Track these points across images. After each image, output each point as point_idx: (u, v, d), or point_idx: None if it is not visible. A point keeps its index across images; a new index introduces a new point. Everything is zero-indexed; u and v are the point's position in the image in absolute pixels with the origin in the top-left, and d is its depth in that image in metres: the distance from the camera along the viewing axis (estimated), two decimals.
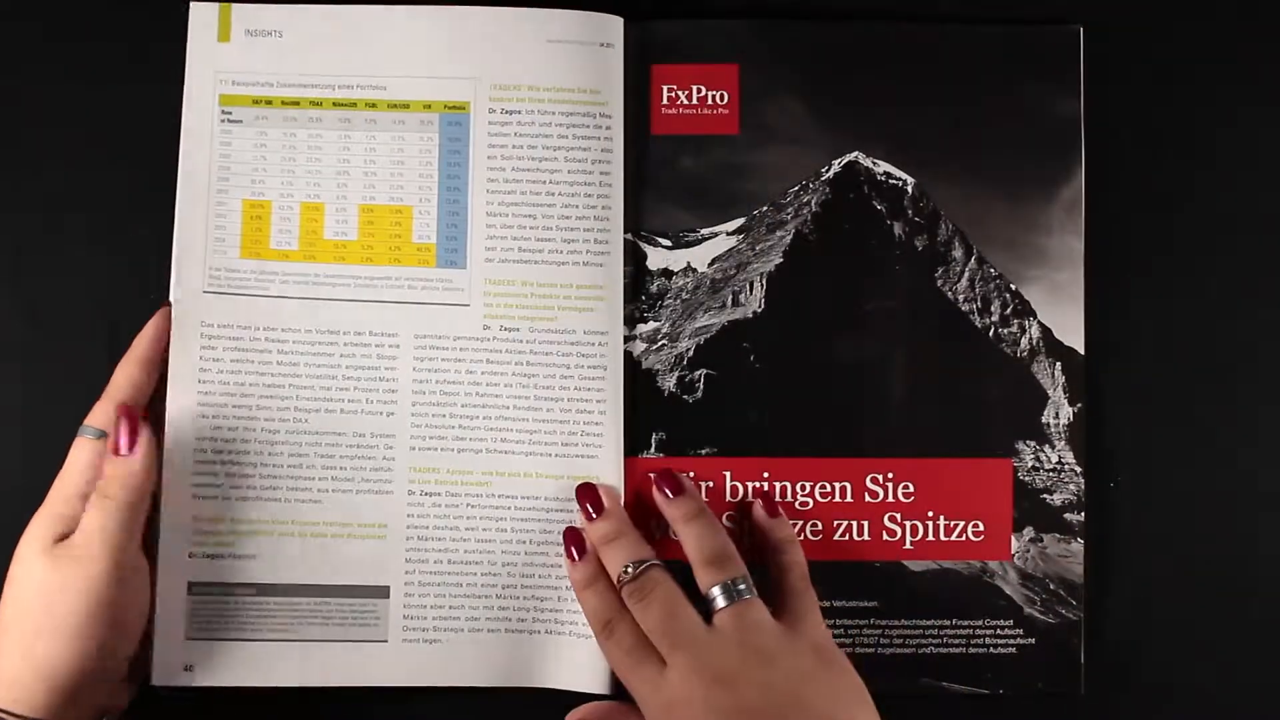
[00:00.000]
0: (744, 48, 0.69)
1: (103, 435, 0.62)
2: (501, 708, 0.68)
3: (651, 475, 0.66)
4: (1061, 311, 0.69)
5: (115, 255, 0.68)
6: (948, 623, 0.68)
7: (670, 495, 0.65)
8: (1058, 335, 0.69)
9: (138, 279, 0.67)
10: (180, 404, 0.66)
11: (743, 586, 0.61)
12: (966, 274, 0.69)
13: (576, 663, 0.66)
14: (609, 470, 0.67)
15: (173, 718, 0.66)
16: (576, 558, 0.65)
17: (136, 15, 0.69)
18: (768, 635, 0.59)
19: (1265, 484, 0.70)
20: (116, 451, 0.62)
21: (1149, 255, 0.70)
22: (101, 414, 0.63)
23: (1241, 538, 0.70)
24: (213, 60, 0.68)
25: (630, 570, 0.62)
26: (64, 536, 0.60)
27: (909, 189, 0.69)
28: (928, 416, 0.68)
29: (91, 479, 0.61)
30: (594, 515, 0.65)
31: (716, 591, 0.61)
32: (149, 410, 0.65)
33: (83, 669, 0.59)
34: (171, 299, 0.67)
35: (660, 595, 0.61)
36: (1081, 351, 0.69)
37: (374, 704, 0.68)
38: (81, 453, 0.62)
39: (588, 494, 0.66)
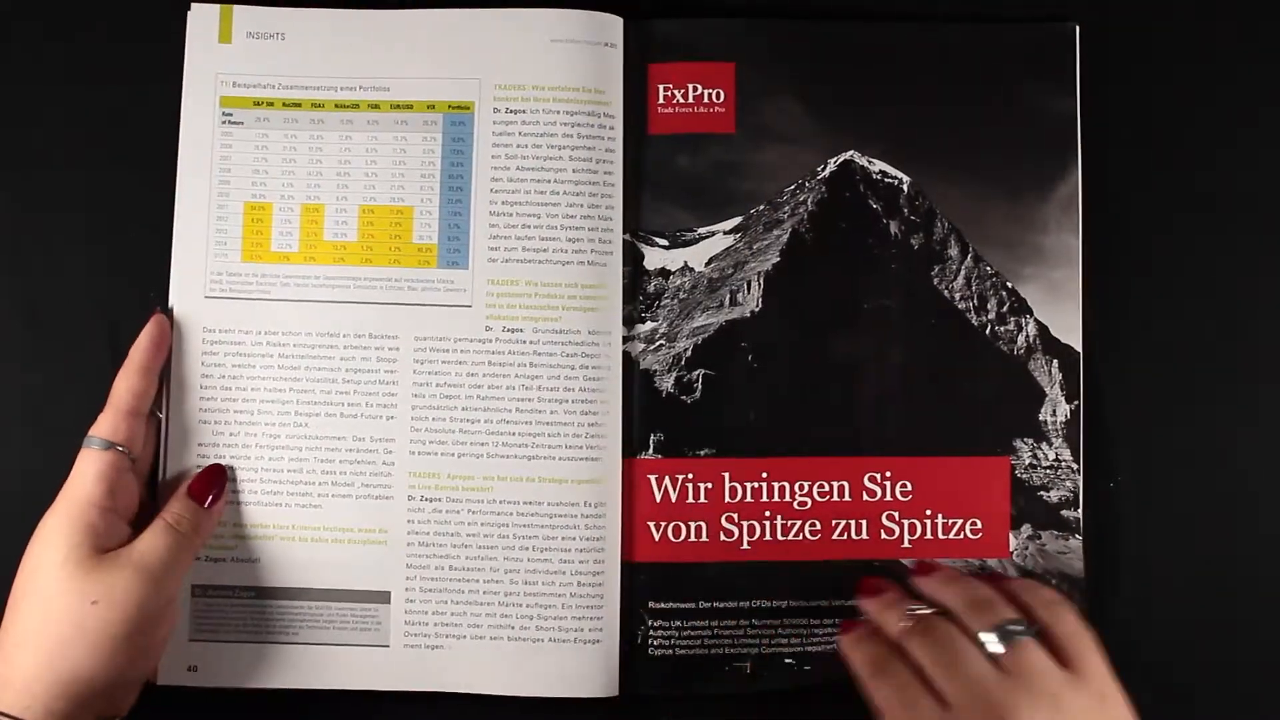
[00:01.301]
0: (741, 46, 0.69)
1: (110, 446, 0.62)
2: (503, 715, 0.68)
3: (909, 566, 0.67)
4: (1058, 309, 0.69)
5: (115, 256, 0.68)
6: None
7: (926, 575, 0.64)
8: (1054, 333, 0.69)
9: (138, 280, 0.67)
10: (181, 409, 0.67)
11: (1018, 629, 0.58)
12: (963, 272, 0.69)
13: (580, 671, 0.66)
14: (609, 473, 0.67)
15: (176, 718, 0.66)
16: (848, 629, 0.63)
17: (137, 16, 0.69)
18: (1052, 679, 0.56)
19: (1264, 482, 0.70)
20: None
21: (1146, 252, 0.70)
22: (107, 425, 0.63)
23: (1241, 536, 0.70)
24: (213, 62, 0.68)
25: (915, 611, 0.61)
26: (96, 550, 0.60)
27: (905, 188, 0.69)
28: (925, 415, 0.69)
29: (106, 491, 0.61)
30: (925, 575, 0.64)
31: (989, 636, 0.58)
32: (152, 416, 0.66)
33: (103, 682, 0.59)
34: (172, 304, 0.67)
35: (945, 633, 0.59)
36: (1078, 349, 0.69)
37: (376, 708, 0.68)
38: (90, 464, 0.62)
39: (870, 584, 0.65)
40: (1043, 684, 0.56)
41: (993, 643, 0.57)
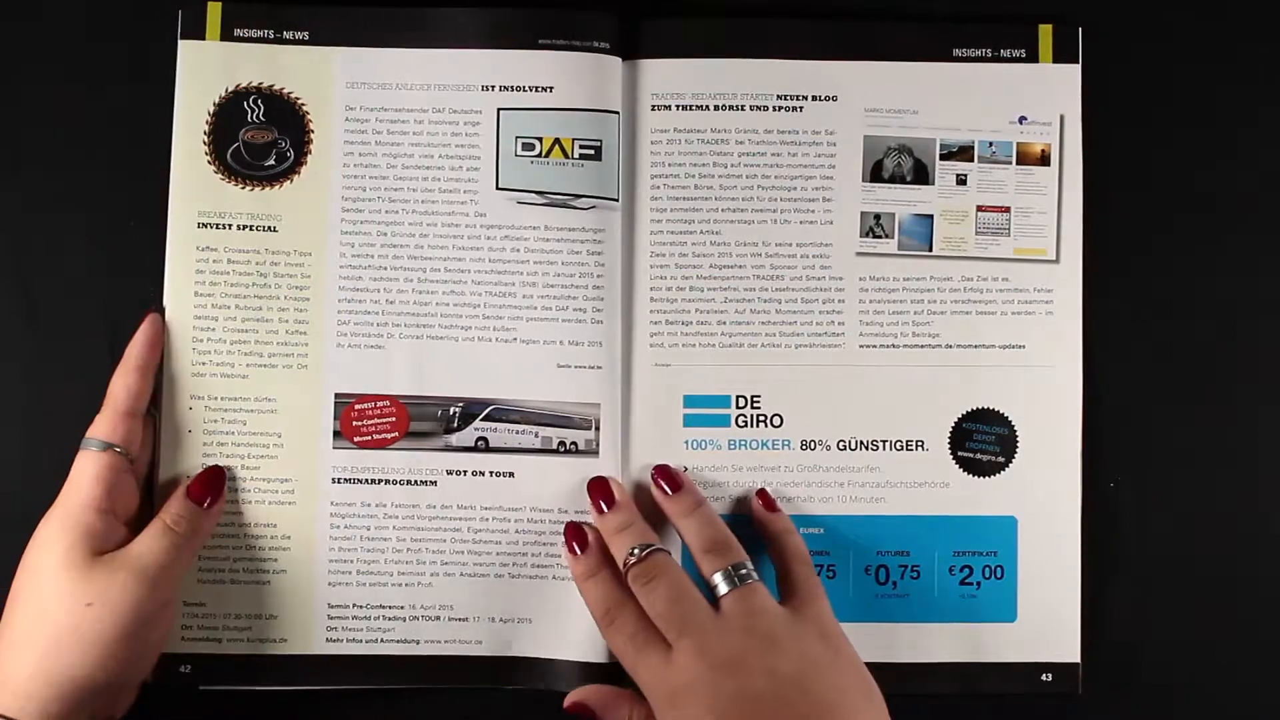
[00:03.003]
0: None
1: (107, 447, 0.62)
2: (490, 708, 0.69)
3: (650, 472, 0.67)
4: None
5: (115, 256, 0.68)
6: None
7: (669, 491, 0.66)
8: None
9: (138, 280, 0.67)
10: (174, 408, 0.67)
11: (745, 571, 0.61)
12: None
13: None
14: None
15: (169, 716, 0.67)
16: (579, 551, 0.65)
17: (137, 16, 0.69)
18: (773, 620, 0.59)
19: (1264, 482, 0.70)
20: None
21: (1146, 252, 0.70)
22: (104, 425, 0.63)
23: (1241, 538, 0.70)
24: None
25: (637, 553, 0.62)
26: (94, 552, 0.60)
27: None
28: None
29: (105, 493, 0.61)
30: (605, 508, 0.65)
31: (719, 578, 0.61)
32: (149, 416, 0.66)
33: (100, 683, 0.59)
34: (165, 303, 0.67)
35: (667, 579, 0.61)
36: (1080, 351, 0.69)
37: (375, 708, 0.69)
38: (89, 465, 0.62)
39: (600, 487, 0.66)
40: (763, 624, 0.59)
41: (721, 585, 0.61)
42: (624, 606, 0.61)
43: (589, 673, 0.67)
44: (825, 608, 0.62)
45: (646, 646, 0.59)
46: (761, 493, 0.67)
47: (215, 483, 0.66)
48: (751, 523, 0.67)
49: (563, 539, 0.66)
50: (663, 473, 0.66)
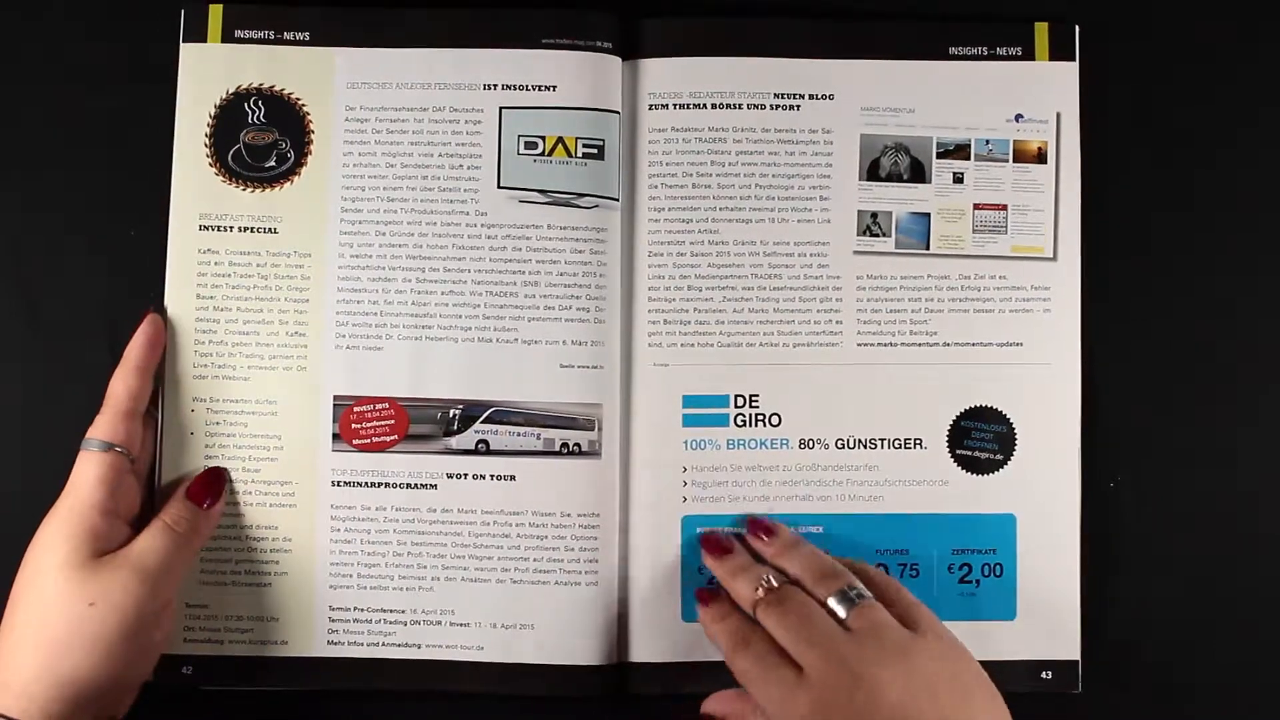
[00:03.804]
0: None
1: (108, 448, 0.62)
2: (493, 713, 0.69)
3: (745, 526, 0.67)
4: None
5: (115, 256, 0.68)
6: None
7: (766, 537, 0.66)
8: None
9: (137, 280, 0.68)
10: (178, 412, 0.67)
11: (858, 591, 0.61)
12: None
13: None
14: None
15: (170, 718, 0.67)
16: (707, 601, 0.65)
17: (137, 16, 0.69)
18: (898, 633, 0.59)
19: (1264, 482, 0.70)
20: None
21: (1145, 252, 0.70)
22: (105, 426, 0.63)
23: (1241, 537, 0.70)
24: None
25: (765, 583, 0.62)
26: (97, 552, 0.60)
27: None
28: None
29: (107, 494, 0.61)
30: (722, 555, 0.66)
31: (835, 601, 0.60)
32: (149, 415, 0.66)
33: (101, 683, 0.59)
34: (166, 303, 0.67)
35: (795, 603, 0.61)
36: (1078, 348, 0.69)
37: (374, 708, 0.69)
38: (90, 467, 0.62)
39: (711, 538, 0.66)
40: (891, 638, 0.58)
41: (839, 607, 0.60)
42: (754, 631, 0.61)
43: (592, 679, 0.67)
44: (935, 619, 0.62)
45: (777, 666, 0.59)
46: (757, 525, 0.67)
47: (215, 484, 0.66)
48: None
49: (696, 601, 0.66)
50: (755, 523, 0.67)
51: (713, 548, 0.66)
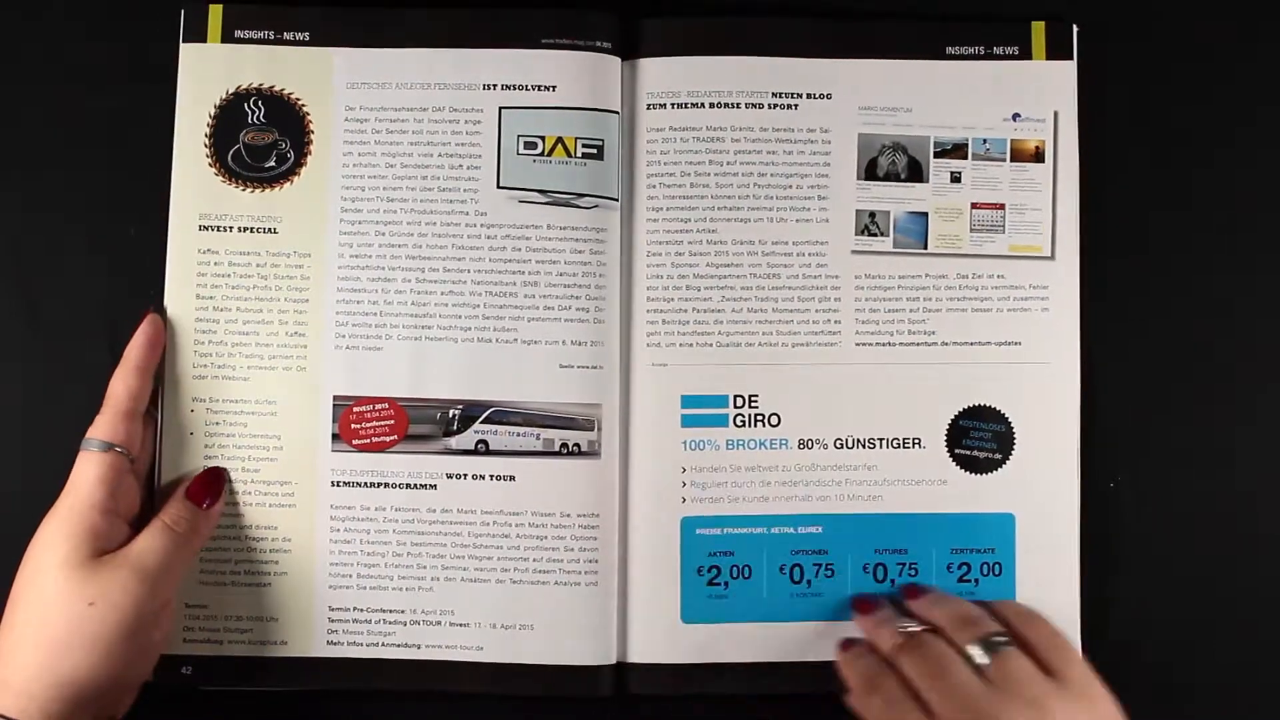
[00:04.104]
0: None
1: (108, 448, 0.62)
2: (492, 714, 0.69)
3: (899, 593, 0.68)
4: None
5: (115, 256, 0.68)
6: None
7: (916, 598, 0.66)
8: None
9: (138, 280, 0.68)
10: (178, 412, 0.67)
11: (999, 639, 0.60)
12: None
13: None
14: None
15: (170, 718, 0.67)
16: (866, 611, 0.67)
17: (137, 16, 0.69)
18: (1037, 685, 0.58)
19: (1264, 482, 0.70)
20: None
21: (1145, 252, 0.70)
22: (105, 426, 0.63)
23: (1241, 536, 0.70)
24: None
25: (908, 630, 0.63)
26: (96, 552, 0.60)
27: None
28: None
29: (107, 494, 0.61)
30: (870, 611, 0.67)
31: (974, 648, 0.60)
32: (148, 415, 0.66)
33: (101, 683, 0.59)
34: (166, 303, 0.67)
35: (935, 650, 0.61)
36: (1077, 347, 0.69)
37: (372, 708, 0.69)
38: (90, 466, 0.62)
39: (861, 599, 0.68)
40: (1028, 690, 0.58)
41: (979, 654, 0.60)
42: (886, 675, 0.62)
43: (591, 679, 0.67)
44: (1084, 668, 0.61)
45: (909, 713, 0.59)
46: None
47: (214, 484, 0.66)
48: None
49: (853, 609, 0.68)
50: (907, 586, 0.67)
51: (861, 604, 0.67)
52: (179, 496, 0.65)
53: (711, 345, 0.68)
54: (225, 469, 0.67)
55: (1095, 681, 0.60)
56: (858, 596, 0.67)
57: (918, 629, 0.63)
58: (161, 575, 0.61)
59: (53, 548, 0.60)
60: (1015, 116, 0.69)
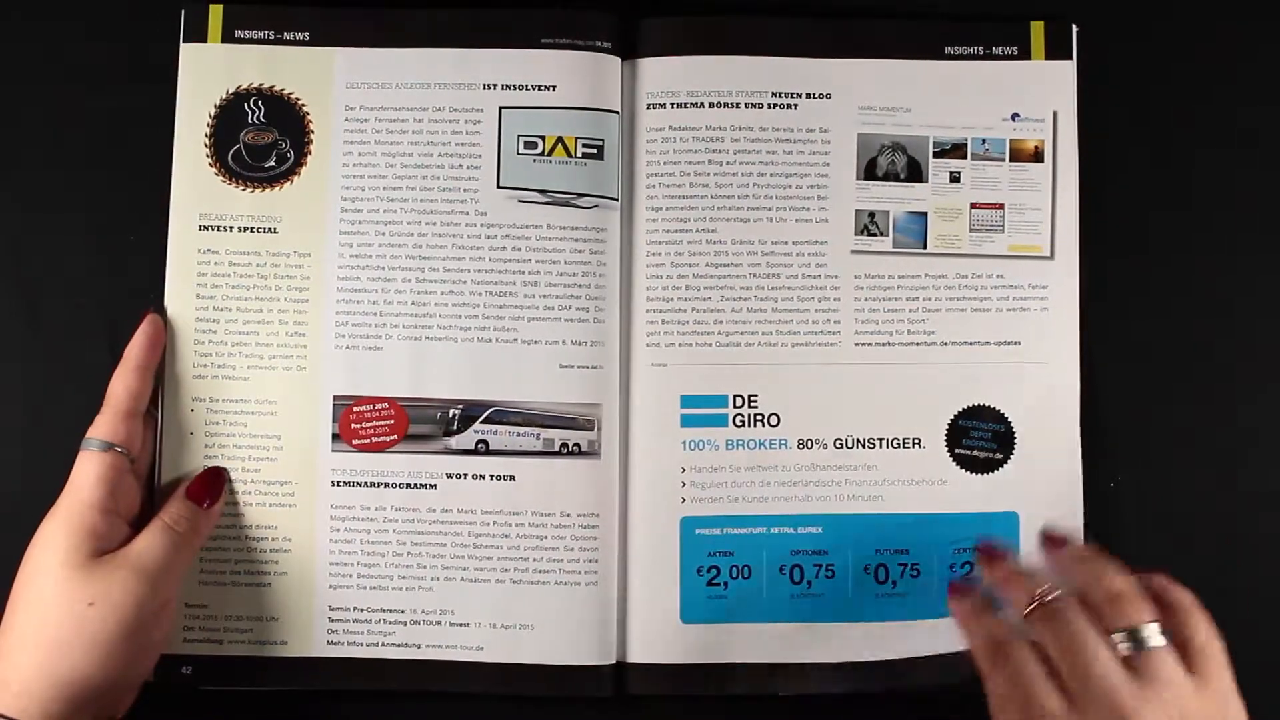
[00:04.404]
0: None
1: (108, 447, 0.62)
2: (493, 714, 0.69)
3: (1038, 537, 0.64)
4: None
5: (115, 255, 0.68)
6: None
7: (1056, 548, 0.62)
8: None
9: (138, 280, 0.68)
10: (178, 412, 0.67)
11: (1152, 633, 0.55)
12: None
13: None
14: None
15: (170, 718, 0.66)
16: (961, 594, 0.61)
17: (137, 17, 0.69)
18: (1184, 694, 0.54)
19: (1264, 482, 0.70)
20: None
21: (1145, 252, 0.70)
22: (105, 426, 0.63)
23: (1241, 537, 0.70)
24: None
25: (1047, 589, 0.57)
26: (96, 552, 0.60)
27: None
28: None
29: (107, 493, 0.62)
30: (997, 559, 0.62)
31: (1122, 638, 0.54)
32: (149, 415, 0.66)
33: (101, 683, 0.59)
34: (166, 303, 0.67)
35: (1077, 625, 0.55)
36: (1076, 347, 0.69)
37: (372, 708, 0.69)
38: (90, 466, 0.62)
39: (985, 544, 0.63)
40: (1174, 697, 0.54)
41: (1126, 645, 0.55)
42: (1014, 645, 0.56)
43: (591, 679, 0.67)
44: (1230, 683, 0.57)
45: (1043, 697, 0.54)
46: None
47: (214, 483, 0.66)
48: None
49: (948, 593, 0.62)
50: (1050, 537, 0.62)
51: (986, 552, 0.63)
52: (179, 496, 0.65)
53: (711, 345, 0.68)
54: (225, 469, 0.67)
55: (1235, 693, 0.56)
56: (984, 540, 0.64)
57: (1057, 594, 0.56)
58: (162, 575, 0.61)
59: (53, 547, 0.60)
60: (1014, 116, 0.69)
